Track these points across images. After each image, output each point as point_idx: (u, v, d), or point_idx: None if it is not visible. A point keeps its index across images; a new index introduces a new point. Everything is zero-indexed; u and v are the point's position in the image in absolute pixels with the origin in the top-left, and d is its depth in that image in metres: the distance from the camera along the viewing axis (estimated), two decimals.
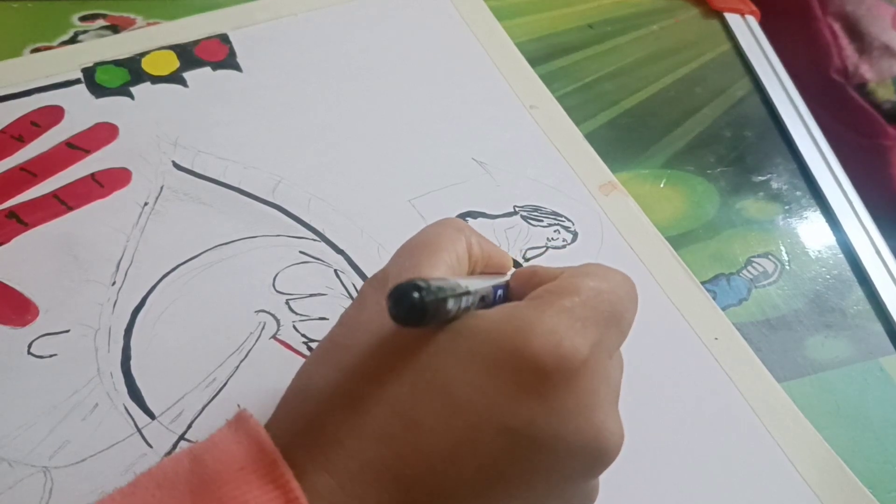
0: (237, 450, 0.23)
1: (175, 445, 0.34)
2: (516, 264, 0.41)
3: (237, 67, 0.48)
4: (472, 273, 0.29)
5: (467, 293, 0.24)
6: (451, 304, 0.23)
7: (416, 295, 0.21)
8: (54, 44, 0.49)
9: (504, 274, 0.31)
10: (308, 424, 0.24)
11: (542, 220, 0.43)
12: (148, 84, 0.47)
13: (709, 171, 0.49)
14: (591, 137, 0.48)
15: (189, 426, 0.34)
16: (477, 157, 0.46)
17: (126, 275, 0.39)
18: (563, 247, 0.42)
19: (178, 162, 0.43)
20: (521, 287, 0.28)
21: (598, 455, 0.24)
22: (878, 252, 0.46)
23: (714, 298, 0.42)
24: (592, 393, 0.24)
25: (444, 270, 0.26)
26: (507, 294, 0.29)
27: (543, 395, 0.23)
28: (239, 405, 0.35)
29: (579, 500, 0.27)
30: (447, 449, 0.23)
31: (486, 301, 0.27)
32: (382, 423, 0.23)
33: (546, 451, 0.23)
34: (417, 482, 0.23)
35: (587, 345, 0.24)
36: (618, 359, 0.27)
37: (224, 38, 0.50)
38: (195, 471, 0.22)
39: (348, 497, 0.22)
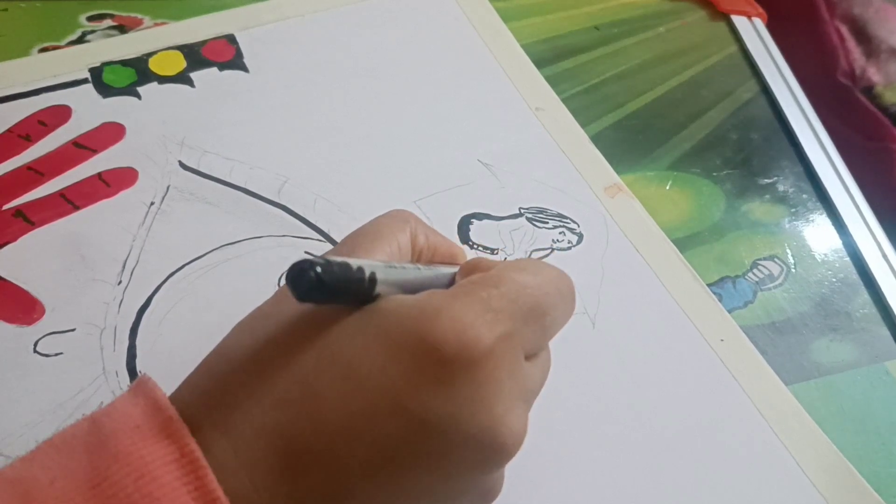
0: (133, 410, 0.23)
1: None
2: None
3: (244, 68, 0.48)
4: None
5: (374, 276, 0.24)
6: (356, 285, 0.23)
7: (312, 274, 0.21)
8: (62, 43, 0.49)
9: (456, 265, 0.31)
10: (215, 386, 0.24)
11: (547, 222, 0.43)
12: (155, 84, 0.47)
13: (715, 174, 0.48)
14: (596, 139, 0.48)
15: None
16: (482, 159, 0.46)
17: (132, 274, 0.39)
18: (569, 249, 0.42)
19: (184, 162, 0.44)
20: (463, 278, 0.28)
21: (492, 448, 0.24)
22: (884, 256, 0.45)
23: (719, 301, 0.41)
24: (494, 384, 0.23)
25: (382, 258, 0.27)
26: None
27: (442, 381, 0.23)
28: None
29: (476, 495, 0.27)
30: (342, 423, 0.23)
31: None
32: (282, 389, 0.23)
33: (439, 437, 0.23)
34: (309, 454, 0.23)
35: (493, 336, 0.23)
36: (541, 361, 0.27)
37: (231, 39, 0.50)
38: (92, 431, 0.23)
39: (241, 463, 0.22)
